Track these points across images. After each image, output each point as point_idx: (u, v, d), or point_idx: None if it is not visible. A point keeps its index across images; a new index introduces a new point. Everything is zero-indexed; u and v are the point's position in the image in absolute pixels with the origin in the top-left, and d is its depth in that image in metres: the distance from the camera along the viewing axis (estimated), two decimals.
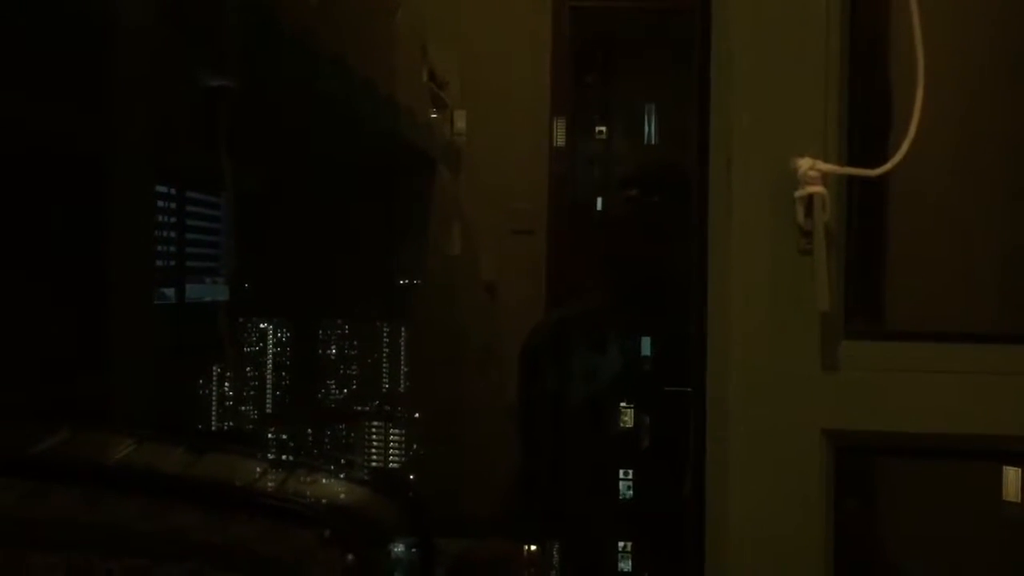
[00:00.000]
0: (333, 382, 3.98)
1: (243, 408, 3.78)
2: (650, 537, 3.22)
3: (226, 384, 3.74)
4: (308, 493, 1.95)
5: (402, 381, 4.02)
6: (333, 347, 3.99)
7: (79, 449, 1.89)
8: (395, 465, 3.88)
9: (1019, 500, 1.58)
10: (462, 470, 3.77)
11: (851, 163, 1.24)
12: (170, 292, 3.64)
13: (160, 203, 3.55)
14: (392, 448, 3.89)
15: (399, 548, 2.12)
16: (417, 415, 3.93)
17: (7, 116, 2.70)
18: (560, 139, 3.91)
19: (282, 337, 3.90)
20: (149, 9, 2.97)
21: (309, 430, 3.89)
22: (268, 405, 3.85)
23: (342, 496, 2.08)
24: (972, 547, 1.55)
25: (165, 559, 0.84)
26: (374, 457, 3.88)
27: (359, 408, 3.97)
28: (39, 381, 2.85)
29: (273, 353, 3.88)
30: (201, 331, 3.73)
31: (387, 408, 3.97)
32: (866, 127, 1.27)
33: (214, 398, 3.71)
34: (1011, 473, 1.61)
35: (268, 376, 3.86)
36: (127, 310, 3.26)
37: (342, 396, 3.98)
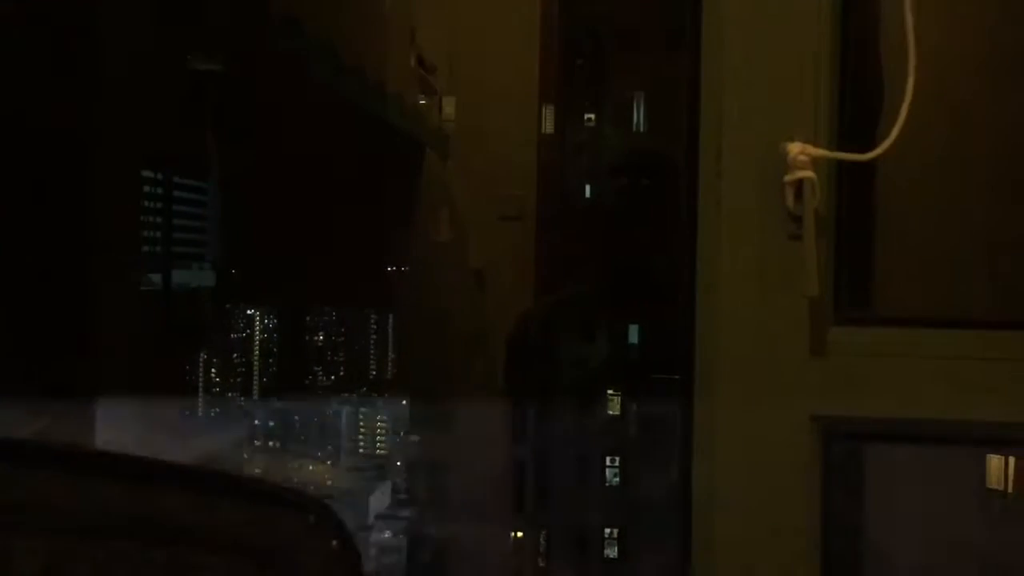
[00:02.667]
0: (320, 368, 3.97)
1: (230, 394, 3.76)
2: (637, 524, 3.22)
3: (213, 370, 3.73)
4: (294, 479, 1.94)
5: (389, 368, 4.01)
6: (320, 333, 3.98)
7: (62, 433, 1.88)
8: (382, 451, 3.87)
9: (1002, 487, 1.58)
10: (449, 456, 3.76)
11: (841, 148, 1.23)
12: (156, 278, 3.63)
13: (147, 188, 3.53)
14: (379, 434, 3.89)
15: (386, 534, 2.12)
16: (404, 402, 3.93)
17: None
18: (549, 126, 3.90)
19: (269, 323, 3.89)
20: None
21: (296, 416, 3.88)
22: (255, 391, 3.84)
23: (328, 482, 2.08)
24: (956, 532, 1.55)
25: (149, 544, 0.83)
26: (361, 443, 3.87)
27: (346, 394, 3.96)
28: (22, 366, 2.83)
29: (260, 339, 3.87)
30: (188, 317, 3.72)
31: (374, 395, 3.96)
32: (856, 112, 1.27)
33: (200, 384, 3.70)
34: (995, 460, 1.61)
35: (255, 362, 3.85)
36: (113, 296, 3.24)
37: (329, 382, 3.98)
